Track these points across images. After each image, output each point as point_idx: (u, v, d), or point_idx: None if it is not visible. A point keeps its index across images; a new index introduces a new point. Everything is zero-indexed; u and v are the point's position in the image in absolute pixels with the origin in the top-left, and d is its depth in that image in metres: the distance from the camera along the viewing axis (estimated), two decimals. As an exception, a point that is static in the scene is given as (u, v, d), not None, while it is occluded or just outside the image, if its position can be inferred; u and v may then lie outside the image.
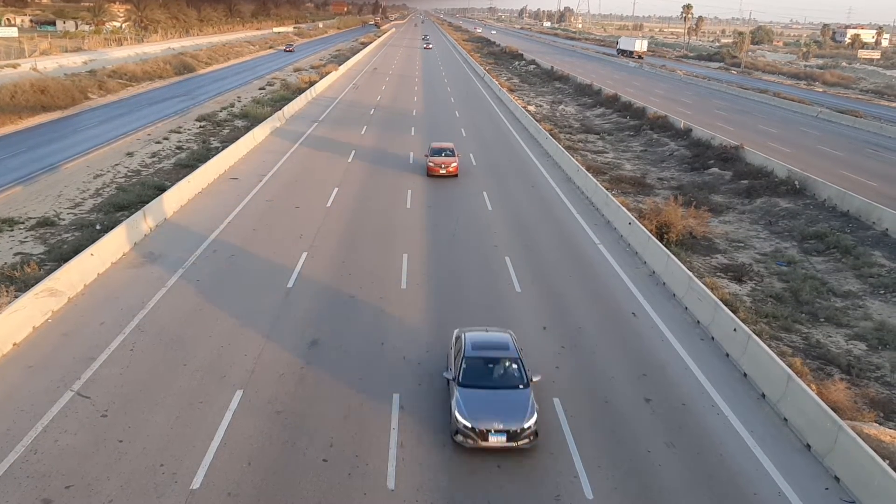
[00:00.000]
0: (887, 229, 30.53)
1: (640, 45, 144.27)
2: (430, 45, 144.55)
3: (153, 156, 39.96)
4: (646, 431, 15.11)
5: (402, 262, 24.17)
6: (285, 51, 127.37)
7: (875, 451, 13.47)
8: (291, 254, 24.38)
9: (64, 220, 27.90)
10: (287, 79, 79.13)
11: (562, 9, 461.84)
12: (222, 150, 37.98)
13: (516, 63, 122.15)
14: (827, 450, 14.16)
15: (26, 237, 25.72)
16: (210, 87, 73.24)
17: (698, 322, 20.39)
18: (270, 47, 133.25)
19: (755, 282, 25.83)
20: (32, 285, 19.13)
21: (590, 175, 35.22)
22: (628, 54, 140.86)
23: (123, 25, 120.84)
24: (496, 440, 13.63)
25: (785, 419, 15.61)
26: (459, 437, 13.87)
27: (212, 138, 45.59)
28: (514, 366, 15.00)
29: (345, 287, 21.84)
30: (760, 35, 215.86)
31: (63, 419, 14.46)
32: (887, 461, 13.42)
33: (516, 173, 39.16)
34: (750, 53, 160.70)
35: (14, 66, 61.79)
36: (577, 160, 39.76)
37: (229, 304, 20.19)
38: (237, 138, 41.32)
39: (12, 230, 26.27)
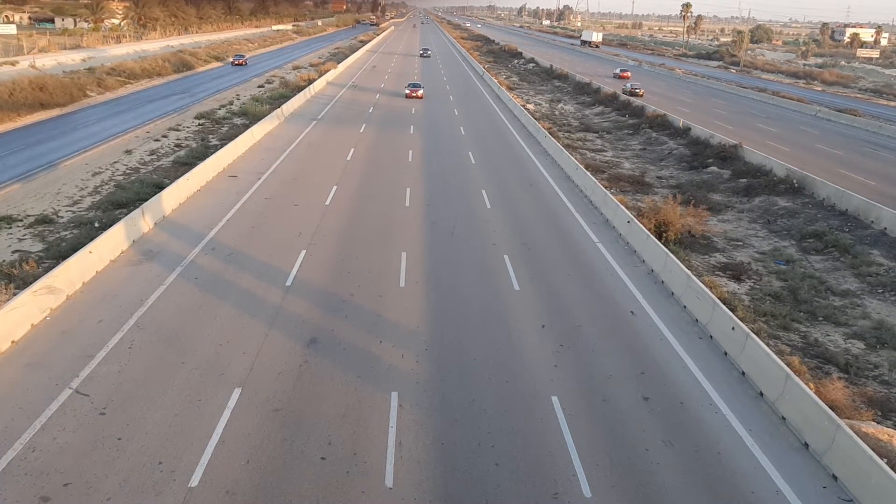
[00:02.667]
0: (886, 228, 30.56)
1: (597, 37, 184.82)
2: (420, 92, 66.00)
3: (152, 153, 39.91)
4: (644, 430, 15.13)
5: (400, 260, 24.17)
6: (233, 64, 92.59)
7: (873, 449, 13.49)
8: (290, 252, 24.37)
9: (62, 217, 27.87)
10: (286, 76, 79.08)
11: (561, 7, 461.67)
12: (221, 147, 37.93)
13: (515, 61, 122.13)
14: (825, 448, 14.19)
15: (25, 235, 25.69)
16: (209, 84, 73.13)
17: (696, 320, 20.41)
18: (217, 59, 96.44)
19: (753, 280, 25.86)
20: (31, 283, 19.11)
21: (588, 173, 35.23)
22: (589, 44, 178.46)
23: (122, 23, 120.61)
24: None
25: (783, 418, 15.64)
26: None
27: (210, 136, 45.55)
28: None
29: (343, 285, 21.83)
30: (759, 34, 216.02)
31: (61, 417, 14.45)
32: (885, 459, 13.45)
33: (515, 171, 39.17)
34: (749, 52, 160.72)
35: (13, 64, 61.65)
36: (575, 158, 39.77)
37: (228, 302, 20.19)
38: (236, 136, 41.26)
39: (10, 228, 26.23)
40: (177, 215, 27.95)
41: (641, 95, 72.85)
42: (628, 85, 76.67)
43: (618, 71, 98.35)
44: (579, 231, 28.86)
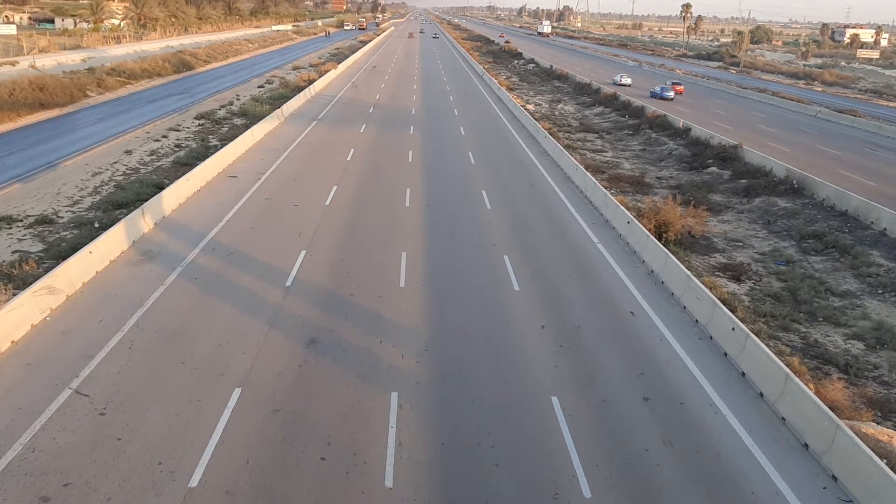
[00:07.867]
0: (886, 229, 30.56)
1: (547, 29, 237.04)
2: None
3: (152, 154, 39.90)
4: (644, 430, 15.13)
5: (400, 260, 24.17)
6: None
7: (873, 450, 13.50)
8: (290, 252, 24.37)
9: (62, 217, 27.86)
10: (286, 77, 79.05)
11: (561, 7, 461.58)
12: (221, 148, 37.93)
13: (515, 62, 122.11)
14: (825, 449, 14.19)
15: (24, 235, 25.68)
16: (209, 84, 73.12)
17: (696, 321, 20.41)
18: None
19: (753, 281, 25.86)
20: (31, 283, 19.09)
21: (588, 174, 35.23)
22: (541, 34, 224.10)
23: (122, 23, 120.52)
24: None
25: (783, 418, 15.64)
26: None
27: (210, 136, 45.53)
28: None
29: (343, 285, 21.83)
30: (759, 34, 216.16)
31: (61, 417, 14.45)
32: (885, 460, 13.45)
33: (515, 172, 39.17)
34: (749, 53, 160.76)
35: (13, 64, 61.60)
36: (575, 159, 39.78)
37: (228, 303, 20.18)
38: (236, 136, 41.24)
39: (10, 228, 26.21)
40: (177, 215, 27.94)
41: (509, 43, 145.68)
42: (504, 39, 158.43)
43: (499, 35, 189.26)
44: (579, 231, 28.86)
